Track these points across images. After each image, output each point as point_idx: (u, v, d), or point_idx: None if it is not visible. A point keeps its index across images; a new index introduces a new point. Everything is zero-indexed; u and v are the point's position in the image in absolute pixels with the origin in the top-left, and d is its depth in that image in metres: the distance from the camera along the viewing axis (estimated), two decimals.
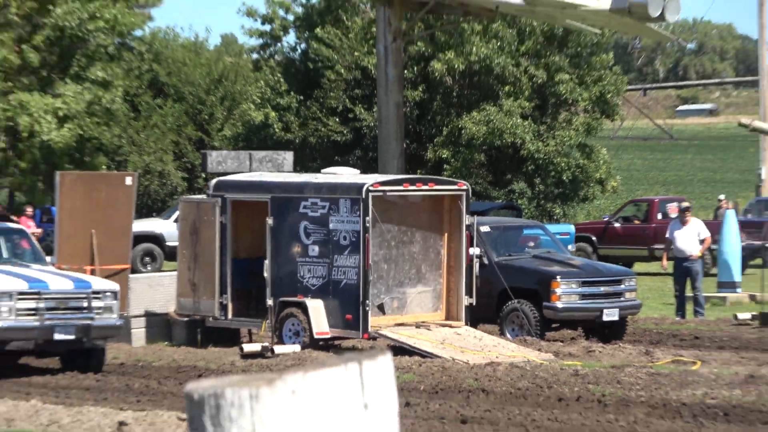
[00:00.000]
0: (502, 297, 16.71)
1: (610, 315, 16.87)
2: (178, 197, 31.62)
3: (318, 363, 2.13)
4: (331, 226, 15.69)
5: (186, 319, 16.99)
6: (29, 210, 27.24)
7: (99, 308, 14.54)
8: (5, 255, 15.31)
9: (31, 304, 14.22)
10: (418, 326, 15.86)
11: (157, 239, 29.77)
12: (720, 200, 32.63)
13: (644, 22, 21.71)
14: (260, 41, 35.52)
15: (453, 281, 16.27)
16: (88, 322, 14.44)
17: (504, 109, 31.04)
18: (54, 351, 14.74)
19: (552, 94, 31.98)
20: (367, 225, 15.41)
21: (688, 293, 19.58)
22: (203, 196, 17.59)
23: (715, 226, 22.75)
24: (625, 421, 11.30)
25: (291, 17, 34.79)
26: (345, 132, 32.59)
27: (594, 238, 28.95)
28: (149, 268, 28.71)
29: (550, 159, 31.71)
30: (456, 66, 31.02)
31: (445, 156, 31.40)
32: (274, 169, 18.73)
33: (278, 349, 15.29)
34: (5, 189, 35.92)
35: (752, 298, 21.85)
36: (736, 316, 18.87)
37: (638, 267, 27.75)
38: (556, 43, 31.98)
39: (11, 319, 14.11)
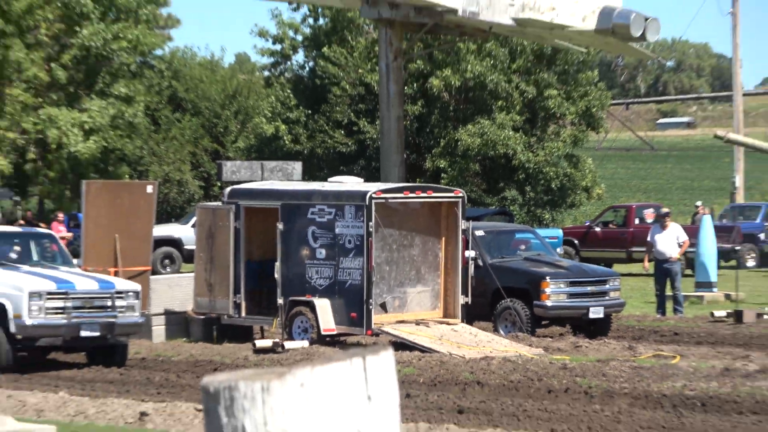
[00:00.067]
0: (495, 296, 16.68)
1: (596, 313, 16.84)
2: (195, 204, 31.61)
3: (325, 358, 2.12)
4: (336, 230, 15.67)
5: (203, 317, 16.97)
6: (60, 216, 27.25)
7: (122, 307, 14.52)
8: (35, 258, 15.30)
9: (59, 304, 14.20)
10: (417, 323, 15.84)
11: (175, 243, 29.76)
12: (697, 206, 32.60)
13: (627, 41, 21.70)
14: (271, 60, 35.54)
15: (450, 281, 16.24)
16: (112, 320, 14.43)
17: (497, 123, 31.05)
18: (80, 347, 14.72)
19: (541, 108, 31.99)
20: (371, 230, 15.40)
21: (668, 292, 19.55)
22: (218, 203, 17.58)
23: (692, 231, 22.72)
24: (609, 411, 11.27)
25: (300, 37, 34.82)
26: (350, 144, 32.59)
27: (576, 242, 28.95)
28: (168, 270, 28.69)
29: (540, 168, 31.71)
30: (452, 82, 31.03)
31: (442, 166, 31.40)
32: (284, 178, 18.72)
33: (288, 344, 15.27)
34: (35, 197, 35.93)
35: (727, 297, 21.81)
36: (712, 314, 18.84)
37: (617, 268, 27.72)
38: (545, 61, 31.99)
39: (41, 317, 14.09)
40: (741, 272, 25.10)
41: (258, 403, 2.03)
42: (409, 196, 16.13)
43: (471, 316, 16.42)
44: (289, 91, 33.82)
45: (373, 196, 15.57)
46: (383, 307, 15.83)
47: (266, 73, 37.31)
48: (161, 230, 28.06)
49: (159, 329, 17.09)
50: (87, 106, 28.11)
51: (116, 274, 16.32)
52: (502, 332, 16.38)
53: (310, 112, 33.15)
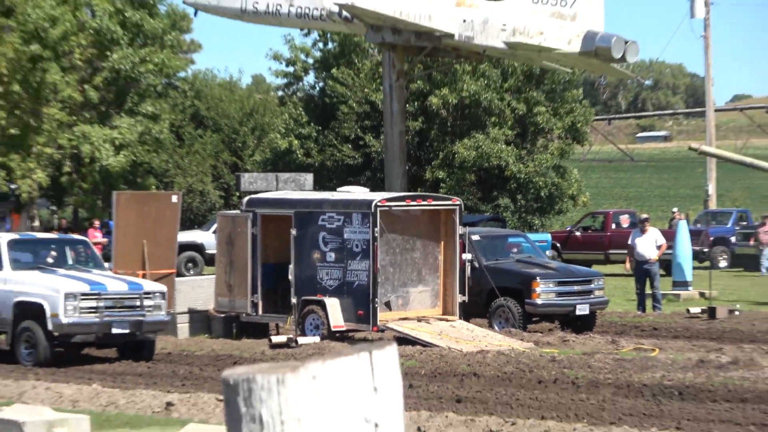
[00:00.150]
0: (490, 295, 16.64)
1: (582, 310, 16.80)
2: (216, 212, 31.59)
3: (335, 352, 2.11)
4: (345, 235, 15.64)
5: (223, 315, 16.94)
6: (96, 223, 27.22)
7: (149, 306, 14.50)
8: (70, 262, 15.28)
9: (92, 304, 14.19)
10: (419, 320, 15.80)
11: (198, 248, 29.72)
12: (674, 212, 32.53)
13: (608, 62, 21.67)
14: (285, 81, 35.54)
15: (448, 282, 16.20)
16: (141, 318, 14.41)
17: (490, 137, 31.02)
18: (112, 343, 14.70)
19: (531, 123, 31.95)
20: (376, 235, 15.37)
21: (648, 291, 19.50)
22: (237, 212, 17.56)
23: (669, 235, 22.67)
24: (595, 400, 11.23)
25: (311, 60, 34.82)
26: (356, 157, 32.57)
27: (558, 245, 28.91)
28: (192, 273, 28.66)
29: (530, 178, 31.67)
30: (450, 100, 31.02)
31: (441, 176, 31.37)
32: (297, 188, 18.70)
33: (301, 340, 15.23)
34: (70, 206, 35.93)
35: (702, 295, 21.75)
36: (688, 311, 18.78)
37: (596, 269, 27.70)
38: (534, 81, 31.96)
39: (76, 316, 14.08)
40: (714, 272, 25.03)
41: (274, 394, 2.02)
42: (411, 204, 16.11)
43: (468, 313, 16.38)
44: (301, 109, 33.81)
45: (378, 204, 15.55)
46: (388, 305, 15.80)
47: (280, 93, 37.29)
48: (185, 236, 28.03)
49: (183, 326, 17.06)
50: (117, 124, 28.13)
51: (144, 276, 16.30)
52: (496, 328, 16.34)
53: (320, 128, 33.13)
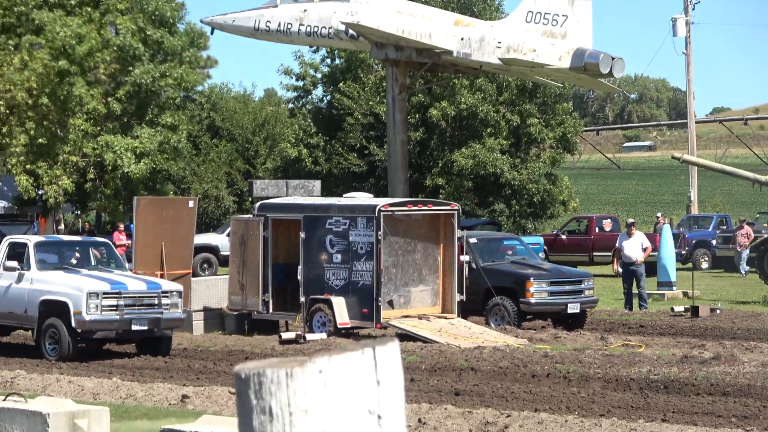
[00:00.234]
0: (487, 294, 16.58)
1: (573, 308, 16.73)
2: (229, 216, 31.57)
3: (340, 348, 2.07)
4: (350, 238, 15.60)
5: (236, 312, 16.89)
6: (121, 226, 27.21)
7: (167, 304, 14.45)
8: (93, 263, 15.24)
9: (113, 302, 14.14)
10: (420, 318, 15.74)
11: (213, 249, 29.70)
12: (658, 217, 32.46)
13: (596, 77, 21.63)
14: (295, 94, 35.56)
15: (447, 282, 16.14)
16: (159, 315, 14.36)
17: (487, 146, 31.00)
18: (131, 339, 14.65)
19: (524, 134, 31.94)
20: (380, 237, 15.32)
21: (635, 291, 19.44)
22: (250, 216, 17.52)
23: (654, 238, 22.62)
24: (585, 393, 11.17)
25: (319, 75, 34.84)
26: (361, 165, 32.56)
27: (545, 248, 28.88)
28: (207, 273, 28.63)
29: (524, 185, 31.65)
30: (449, 112, 31.01)
31: (440, 183, 31.35)
32: (306, 194, 18.67)
33: (309, 336, 15.18)
34: (93, 211, 35.93)
35: (685, 294, 21.69)
36: (672, 309, 18.72)
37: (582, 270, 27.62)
38: (527, 94, 31.95)
39: (97, 313, 14.03)
40: (696, 273, 24.97)
41: (283, 387, 1.99)
42: (412, 209, 16.06)
43: (466, 311, 16.31)
44: (309, 120, 33.82)
45: (382, 209, 15.50)
46: (390, 303, 15.74)
47: (290, 105, 37.31)
48: (201, 239, 28.01)
49: (198, 323, 17.01)
50: (138, 134, 28.13)
51: (162, 276, 16.25)
52: (492, 325, 16.27)
53: (327, 138, 33.14)
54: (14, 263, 14.58)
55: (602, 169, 65.80)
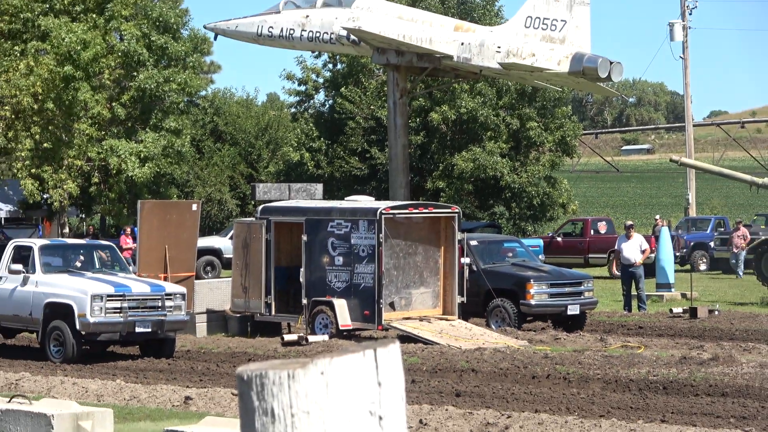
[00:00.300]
0: (487, 296, 16.55)
1: (573, 310, 16.71)
2: (232, 220, 31.56)
3: (342, 350, 2.05)
4: (352, 241, 15.58)
5: (239, 315, 16.86)
6: (128, 230, 27.22)
7: (170, 307, 14.43)
8: (97, 266, 15.23)
9: (117, 304, 14.12)
10: (421, 320, 15.72)
11: (216, 252, 29.68)
12: (656, 219, 32.43)
13: (595, 82, 21.62)
14: (297, 98, 35.56)
15: (448, 284, 16.12)
16: (162, 318, 14.34)
17: (487, 150, 31.00)
18: (135, 341, 14.63)
19: (524, 137, 31.93)
20: (381, 240, 15.31)
21: (633, 293, 19.41)
22: (253, 219, 17.51)
23: (649, 240, 22.60)
24: (585, 394, 11.14)
25: (321, 80, 34.84)
26: (363, 168, 32.56)
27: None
28: (210, 275, 28.61)
29: (523, 188, 31.63)
30: (449, 116, 31.00)
31: (441, 186, 31.33)
32: (308, 197, 18.66)
33: (311, 338, 15.16)
34: (98, 214, 35.92)
35: (684, 296, 21.65)
36: (671, 310, 18.69)
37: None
38: (527, 98, 31.94)
39: (102, 316, 14.01)
40: (694, 275, 24.94)
41: (285, 388, 1.97)
42: (413, 212, 16.04)
43: (467, 313, 16.29)
44: (312, 124, 33.82)
45: (383, 212, 15.49)
46: (392, 305, 15.72)
47: (293, 110, 37.31)
48: (204, 242, 27.99)
49: (201, 326, 16.99)
50: (142, 138, 28.12)
51: (165, 279, 16.24)
52: (493, 327, 16.24)
53: (329, 142, 33.14)
54: (19, 266, 14.57)
55: (601, 172, 65.78)
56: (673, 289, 21.77)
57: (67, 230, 29.97)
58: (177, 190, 33.50)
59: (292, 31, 23.52)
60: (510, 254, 17.88)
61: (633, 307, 19.34)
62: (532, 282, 16.45)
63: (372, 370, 2.01)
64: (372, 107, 32.55)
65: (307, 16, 23.40)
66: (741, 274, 28.18)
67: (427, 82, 28.93)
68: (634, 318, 18.22)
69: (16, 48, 27.50)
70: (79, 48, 26.75)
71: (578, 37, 20.97)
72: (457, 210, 16.36)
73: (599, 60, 20.81)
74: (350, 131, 32.70)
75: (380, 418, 2.00)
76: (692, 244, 31.38)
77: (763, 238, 25.79)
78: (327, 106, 34.79)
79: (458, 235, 15.99)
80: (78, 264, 15.10)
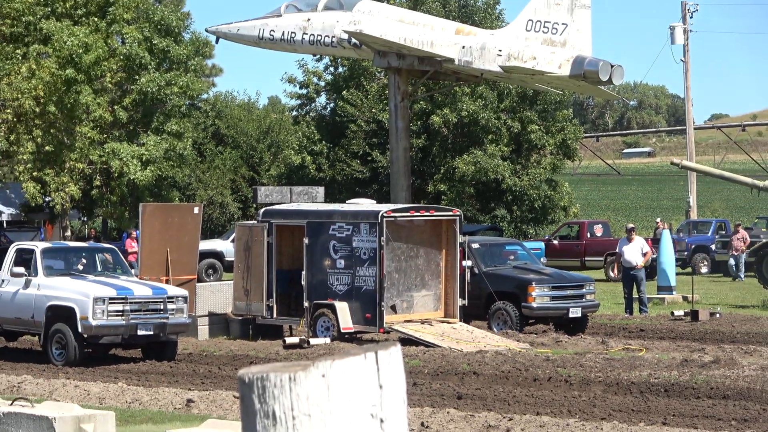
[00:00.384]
0: (489, 299, 16.55)
1: (575, 312, 16.69)
2: (234, 223, 31.56)
3: (344, 352, 2.05)
4: (354, 244, 15.58)
5: (240, 317, 16.86)
6: (134, 234, 27.26)
7: (172, 310, 14.43)
8: (99, 268, 15.23)
9: (119, 307, 14.12)
10: (422, 322, 15.71)
11: (218, 255, 29.69)
12: (657, 222, 32.41)
13: (596, 85, 21.63)
14: (299, 101, 35.58)
15: (449, 287, 16.12)
16: (164, 320, 14.34)
17: (488, 153, 30.99)
18: (137, 344, 14.62)
19: (525, 140, 31.93)
20: (382, 243, 15.30)
21: (635, 295, 19.39)
22: (254, 222, 17.51)
23: (649, 242, 22.58)
24: (586, 397, 11.13)
25: (322, 83, 34.86)
26: (364, 171, 32.56)
27: None
28: (212, 278, 28.61)
29: (525, 191, 31.63)
30: (450, 119, 31.00)
31: (442, 189, 31.33)
32: (309, 200, 18.65)
33: (313, 341, 15.15)
34: (99, 217, 35.92)
35: (685, 298, 21.63)
36: (672, 313, 18.67)
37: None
38: (528, 101, 31.94)
39: (104, 318, 14.02)
40: (695, 278, 24.91)
41: (286, 391, 1.97)
42: (415, 215, 16.04)
43: (469, 316, 16.28)
44: (313, 127, 33.84)
45: (385, 215, 15.48)
46: (393, 308, 15.71)
47: (294, 113, 37.34)
48: (206, 245, 27.98)
49: (203, 328, 16.99)
50: (144, 141, 28.14)
51: (167, 282, 16.24)
52: (495, 330, 16.23)
53: (331, 145, 33.15)
54: (21, 269, 14.58)
55: (602, 175, 65.76)
56: (674, 292, 21.74)
57: (69, 233, 29.98)
58: (179, 193, 33.49)
59: (293, 35, 23.54)
60: (512, 257, 17.86)
61: (634, 310, 19.32)
62: (534, 285, 16.44)
63: (373, 372, 2.00)
64: (373, 110, 32.56)
65: (309, 20, 23.42)
66: (742, 276, 28.15)
67: (428, 85, 28.93)
68: (635, 321, 18.21)
69: (18, 51, 27.52)
70: (81, 51, 26.78)
71: (579, 40, 20.98)
72: (458, 213, 16.35)
73: (600, 63, 20.81)
74: (351, 134, 32.71)
75: (381, 420, 2.00)
76: (693, 247, 31.36)
77: (764, 240, 25.77)
78: (328, 109, 34.81)
79: (459, 238, 15.98)
80: (80, 267, 15.10)
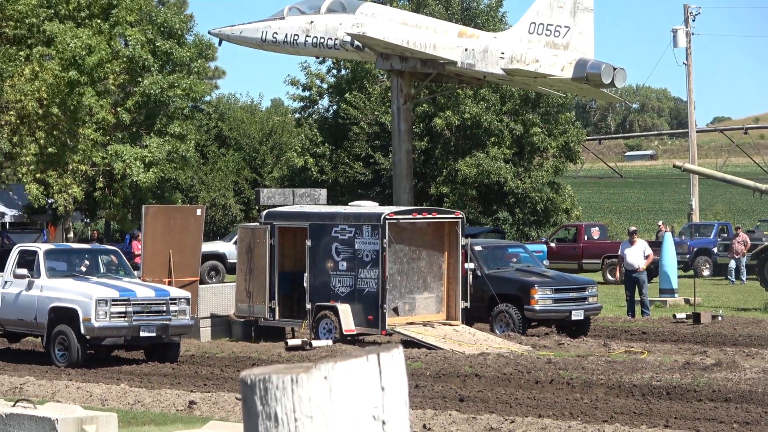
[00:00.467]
0: (492, 301, 16.54)
1: (577, 315, 16.68)
2: (237, 225, 31.58)
3: (346, 354, 2.05)
4: (356, 246, 15.58)
5: (243, 319, 16.87)
6: (140, 235, 27.28)
7: (175, 311, 14.44)
8: (102, 270, 15.24)
9: (122, 309, 14.13)
10: (424, 325, 15.70)
11: (220, 257, 29.70)
12: (659, 225, 32.38)
13: (599, 88, 21.62)
14: (301, 104, 35.59)
15: (452, 289, 16.11)
16: (167, 322, 14.34)
17: (490, 155, 30.99)
18: (139, 345, 14.63)
19: (527, 143, 31.92)
20: (385, 245, 15.30)
21: (637, 298, 19.38)
22: (257, 224, 17.51)
23: (656, 246, 22.56)
24: (588, 399, 11.12)
25: (325, 85, 34.87)
26: (367, 173, 32.56)
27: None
28: (214, 280, 28.62)
29: (527, 194, 31.61)
30: (453, 122, 31.01)
31: (444, 192, 31.33)
32: (312, 203, 18.66)
33: (315, 343, 15.15)
34: (102, 219, 35.93)
35: (687, 301, 21.61)
36: (674, 316, 18.65)
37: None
38: (530, 104, 31.94)
39: (106, 320, 14.02)
40: (697, 281, 24.87)
41: (288, 393, 1.97)
42: (417, 217, 16.04)
43: (471, 318, 16.28)
44: (316, 130, 33.85)
45: (387, 217, 15.49)
46: (395, 310, 15.71)
47: (297, 115, 37.35)
48: (208, 247, 28.00)
49: (206, 330, 16.99)
50: (147, 143, 28.16)
51: (170, 283, 16.24)
52: (497, 332, 16.22)
53: (333, 147, 33.16)
54: (24, 271, 14.59)
55: (604, 178, 65.72)
56: (676, 295, 21.72)
57: (71, 235, 30.01)
58: (181, 195, 33.50)
59: (296, 37, 23.56)
60: (514, 259, 17.85)
61: (636, 313, 19.30)
62: (537, 287, 16.42)
63: (375, 374, 2.00)
64: (376, 113, 32.57)
65: (312, 22, 23.44)
66: (744, 279, 28.11)
67: (431, 87, 28.93)
68: (637, 323, 18.19)
69: (21, 53, 27.56)
70: (84, 53, 26.81)
71: (582, 43, 20.98)
72: (460, 215, 16.35)
73: (603, 66, 20.81)
74: (354, 137, 32.72)
75: (383, 422, 2.00)
76: (695, 249, 31.32)
77: (766, 243, 25.74)
78: (331, 111, 34.81)
79: (461, 241, 15.98)
80: (83, 268, 15.11)
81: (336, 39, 23.21)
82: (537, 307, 16.38)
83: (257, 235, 16.65)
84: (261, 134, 41.01)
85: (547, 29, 21.11)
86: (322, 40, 23.38)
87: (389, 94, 27.35)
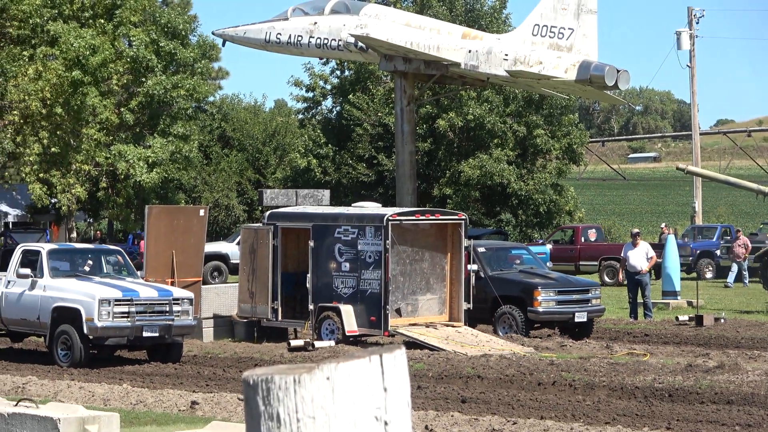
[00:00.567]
0: (495, 303, 16.53)
1: (580, 317, 16.67)
2: (240, 225, 31.59)
3: (348, 355, 2.05)
4: (359, 247, 15.58)
5: (245, 320, 16.87)
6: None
7: (178, 312, 14.45)
8: (105, 270, 15.25)
9: (125, 309, 14.14)
10: (427, 326, 15.70)
11: (223, 258, 29.71)
12: (662, 227, 32.35)
13: (602, 90, 21.61)
14: (305, 105, 35.62)
15: (454, 290, 16.11)
16: (169, 322, 14.35)
17: (493, 157, 30.98)
18: (142, 345, 14.63)
19: (531, 145, 31.91)
20: (388, 246, 15.30)
21: (639, 300, 19.36)
22: (260, 225, 17.52)
23: (659, 248, 22.54)
24: (590, 401, 11.11)
25: (329, 86, 34.89)
26: (370, 174, 32.56)
27: None
28: (217, 281, 28.63)
29: (530, 195, 31.60)
30: (456, 123, 31.01)
31: (448, 193, 31.32)
32: (315, 203, 18.67)
33: (318, 344, 15.15)
34: (105, 219, 35.96)
35: (689, 303, 21.58)
36: (677, 318, 18.63)
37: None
38: (534, 106, 31.94)
39: (109, 320, 14.03)
40: (700, 283, 24.84)
41: (290, 393, 1.97)
42: (420, 218, 16.04)
43: (475, 320, 16.26)
44: (319, 131, 33.86)
45: (390, 218, 15.49)
46: (398, 312, 15.71)
47: (300, 116, 37.37)
48: (211, 247, 28.01)
49: (208, 331, 16.99)
50: (150, 144, 28.18)
51: (173, 284, 16.25)
52: (500, 334, 16.21)
53: (337, 148, 33.17)
54: (27, 270, 14.60)
55: (607, 180, 65.66)
56: (679, 297, 21.69)
57: (74, 235, 30.04)
58: (184, 195, 33.54)
59: (300, 38, 23.57)
60: (517, 261, 17.84)
61: (639, 315, 19.28)
62: (540, 289, 16.41)
63: (378, 375, 2.00)
64: (379, 114, 32.58)
65: (315, 23, 23.45)
66: (746, 282, 28.08)
67: (434, 89, 28.94)
68: (640, 325, 18.17)
69: (25, 53, 27.60)
70: (87, 53, 26.84)
71: (585, 45, 20.97)
72: (463, 217, 16.34)
73: (606, 68, 20.80)
74: (357, 138, 32.73)
75: (386, 423, 2.00)
76: (698, 252, 31.28)
77: None
78: (334, 112, 34.83)
79: (464, 242, 15.97)
80: (86, 268, 15.12)
81: (340, 40, 23.22)
82: (540, 309, 16.37)
83: (260, 236, 16.65)
84: (264, 135, 41.03)
85: (550, 31, 21.10)
86: (325, 41, 23.39)
87: (392, 95, 27.35)
